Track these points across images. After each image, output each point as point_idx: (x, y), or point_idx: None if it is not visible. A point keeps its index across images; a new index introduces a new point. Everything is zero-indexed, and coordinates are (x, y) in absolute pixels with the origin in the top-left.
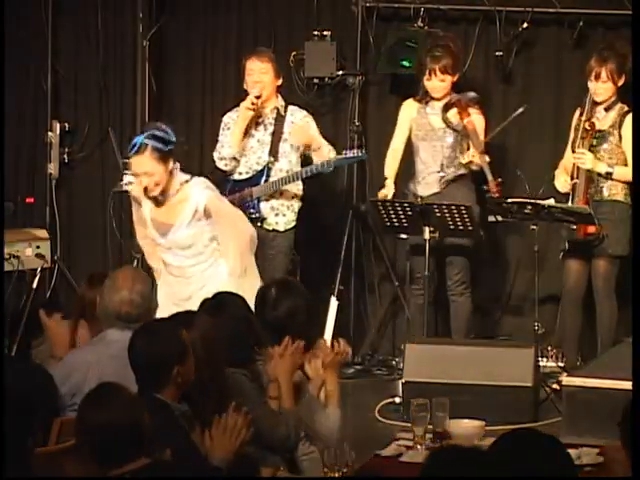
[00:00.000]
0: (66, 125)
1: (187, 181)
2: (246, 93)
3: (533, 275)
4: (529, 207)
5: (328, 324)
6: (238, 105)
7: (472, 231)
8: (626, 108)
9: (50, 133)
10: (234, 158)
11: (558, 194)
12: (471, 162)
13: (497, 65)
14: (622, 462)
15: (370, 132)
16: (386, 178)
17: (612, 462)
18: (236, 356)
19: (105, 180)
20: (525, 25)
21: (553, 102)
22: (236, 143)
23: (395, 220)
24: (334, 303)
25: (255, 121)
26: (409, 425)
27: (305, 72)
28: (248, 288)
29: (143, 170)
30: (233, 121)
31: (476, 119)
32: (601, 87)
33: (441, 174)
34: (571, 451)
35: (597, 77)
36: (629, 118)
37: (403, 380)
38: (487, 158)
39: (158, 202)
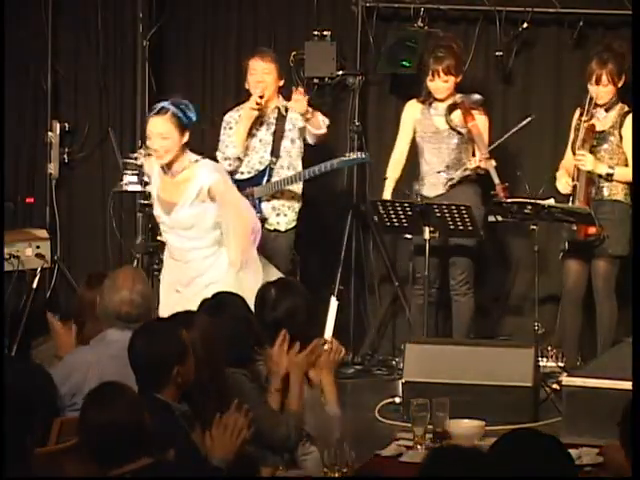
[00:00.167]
0: (66, 125)
1: (197, 161)
2: (247, 92)
3: (533, 275)
4: (529, 207)
5: (328, 324)
6: (238, 104)
7: (472, 231)
8: (626, 108)
9: (50, 133)
10: (238, 158)
11: (558, 194)
12: (478, 167)
13: (497, 65)
14: (622, 462)
15: (370, 132)
16: (385, 178)
17: (612, 462)
18: (236, 356)
19: (105, 180)
20: (525, 25)
21: (553, 102)
22: (240, 143)
23: (395, 220)
24: (334, 303)
25: (259, 121)
26: (409, 425)
27: (305, 72)
28: (249, 282)
29: (158, 131)
30: (234, 120)
31: (480, 120)
32: (602, 91)
33: (447, 175)
34: (571, 451)
35: (598, 81)
36: (629, 118)
37: (403, 380)
38: (494, 162)
39: (164, 176)
